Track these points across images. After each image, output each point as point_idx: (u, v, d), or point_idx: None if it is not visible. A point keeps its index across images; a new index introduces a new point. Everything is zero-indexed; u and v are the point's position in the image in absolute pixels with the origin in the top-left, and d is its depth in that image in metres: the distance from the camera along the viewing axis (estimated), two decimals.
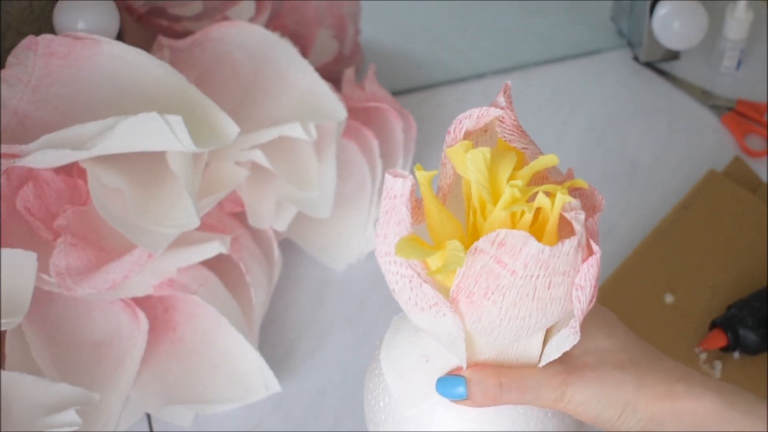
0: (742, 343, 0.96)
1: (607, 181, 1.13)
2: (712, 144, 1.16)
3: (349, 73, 1.12)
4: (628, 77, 1.23)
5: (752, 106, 1.18)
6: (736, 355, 0.97)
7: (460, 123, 0.64)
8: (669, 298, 1.01)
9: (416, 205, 0.63)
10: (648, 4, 1.17)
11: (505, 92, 0.64)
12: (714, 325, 0.97)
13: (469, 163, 0.60)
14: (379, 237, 0.62)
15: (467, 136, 0.64)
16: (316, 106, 0.99)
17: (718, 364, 0.96)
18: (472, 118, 0.63)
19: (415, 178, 0.61)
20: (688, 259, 1.03)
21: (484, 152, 0.60)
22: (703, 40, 1.18)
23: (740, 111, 1.18)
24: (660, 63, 1.23)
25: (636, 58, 1.23)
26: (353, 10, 1.15)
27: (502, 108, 0.64)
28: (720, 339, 0.96)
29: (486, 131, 0.66)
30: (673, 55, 1.23)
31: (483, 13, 1.29)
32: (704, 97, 1.20)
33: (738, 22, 1.18)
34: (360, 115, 1.08)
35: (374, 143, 1.05)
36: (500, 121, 0.64)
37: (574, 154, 1.15)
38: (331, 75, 1.12)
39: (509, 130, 0.64)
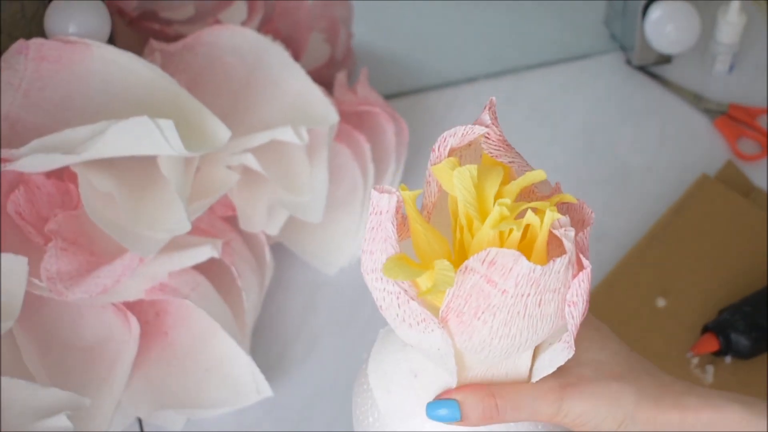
0: (733, 347, 0.96)
1: (599, 185, 1.13)
2: (704, 148, 1.16)
3: (341, 77, 1.12)
4: (621, 81, 1.23)
5: (745, 110, 1.18)
6: (728, 359, 0.97)
7: (444, 141, 0.63)
8: (661, 303, 1.01)
9: (402, 221, 0.63)
10: (640, 7, 1.17)
11: (489, 108, 0.64)
12: (706, 329, 0.97)
13: (455, 181, 0.60)
14: (365, 253, 0.62)
15: (452, 152, 0.64)
16: (308, 110, 0.99)
17: (710, 369, 0.96)
18: (457, 136, 0.63)
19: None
20: (680, 263, 1.04)
21: (470, 170, 0.60)
22: (695, 43, 1.18)
23: (733, 115, 1.18)
24: (652, 67, 1.23)
25: (628, 62, 1.23)
26: (345, 13, 1.15)
27: (487, 126, 0.63)
28: (712, 343, 0.96)
29: (470, 145, 0.66)
30: (666, 59, 1.23)
31: (475, 17, 1.29)
32: (697, 101, 1.20)
33: (730, 25, 1.18)
34: (352, 119, 1.08)
35: (366, 147, 1.05)
36: (486, 137, 0.63)
37: (566, 158, 1.15)
38: (323, 79, 1.12)
39: (495, 145, 0.64)
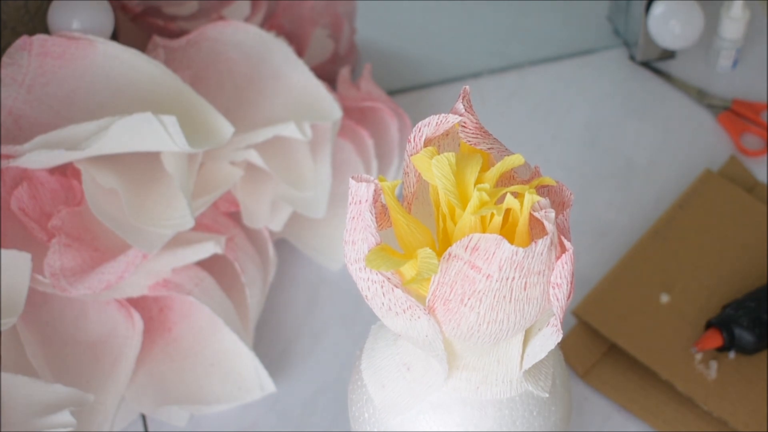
0: (737, 343, 0.96)
1: (603, 180, 1.13)
2: (707, 143, 1.16)
3: (344, 73, 1.12)
4: (624, 77, 1.23)
5: (748, 105, 1.18)
6: (732, 355, 0.97)
7: (419, 131, 0.63)
8: (664, 298, 1.01)
9: (382, 210, 0.63)
10: (644, 3, 1.17)
11: (463, 98, 0.64)
12: (709, 325, 0.97)
13: (435, 170, 0.60)
14: (347, 244, 0.62)
15: (428, 142, 0.64)
16: (311, 106, 0.99)
17: (714, 364, 0.96)
18: (431, 125, 0.63)
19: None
20: (683, 258, 1.03)
21: (449, 157, 0.60)
22: (699, 39, 1.18)
23: (736, 110, 1.18)
24: (656, 62, 1.23)
25: (632, 58, 1.23)
26: (349, 9, 1.15)
27: (461, 114, 0.63)
28: (715, 339, 0.96)
29: (447, 135, 0.66)
30: (669, 55, 1.22)
31: (479, 12, 1.29)
32: (700, 96, 1.20)
33: (734, 21, 1.18)
34: (355, 115, 1.08)
35: (369, 143, 1.05)
36: (463, 126, 0.64)
37: (569, 154, 1.15)
38: (327, 74, 1.12)
39: (472, 133, 0.64)
